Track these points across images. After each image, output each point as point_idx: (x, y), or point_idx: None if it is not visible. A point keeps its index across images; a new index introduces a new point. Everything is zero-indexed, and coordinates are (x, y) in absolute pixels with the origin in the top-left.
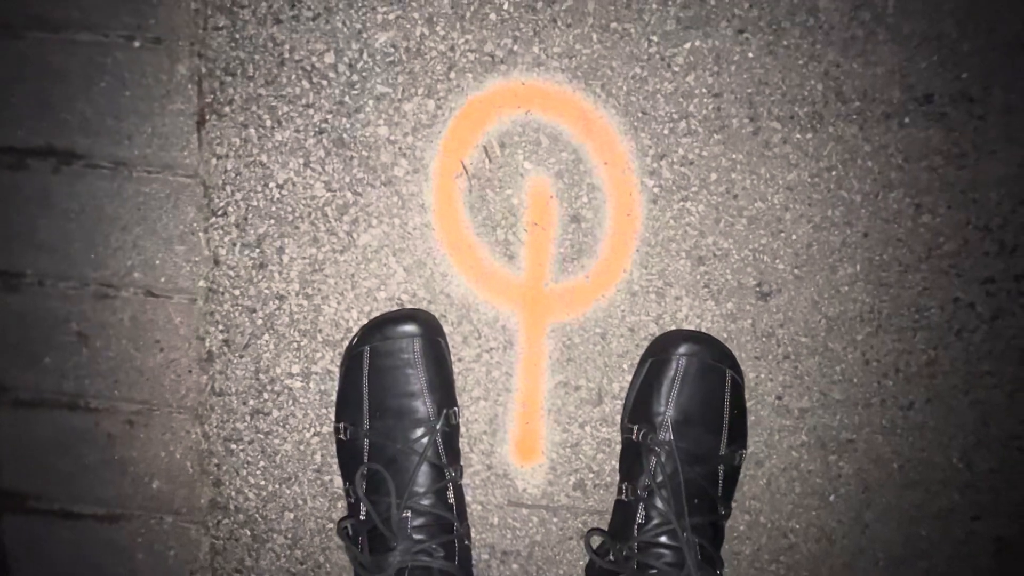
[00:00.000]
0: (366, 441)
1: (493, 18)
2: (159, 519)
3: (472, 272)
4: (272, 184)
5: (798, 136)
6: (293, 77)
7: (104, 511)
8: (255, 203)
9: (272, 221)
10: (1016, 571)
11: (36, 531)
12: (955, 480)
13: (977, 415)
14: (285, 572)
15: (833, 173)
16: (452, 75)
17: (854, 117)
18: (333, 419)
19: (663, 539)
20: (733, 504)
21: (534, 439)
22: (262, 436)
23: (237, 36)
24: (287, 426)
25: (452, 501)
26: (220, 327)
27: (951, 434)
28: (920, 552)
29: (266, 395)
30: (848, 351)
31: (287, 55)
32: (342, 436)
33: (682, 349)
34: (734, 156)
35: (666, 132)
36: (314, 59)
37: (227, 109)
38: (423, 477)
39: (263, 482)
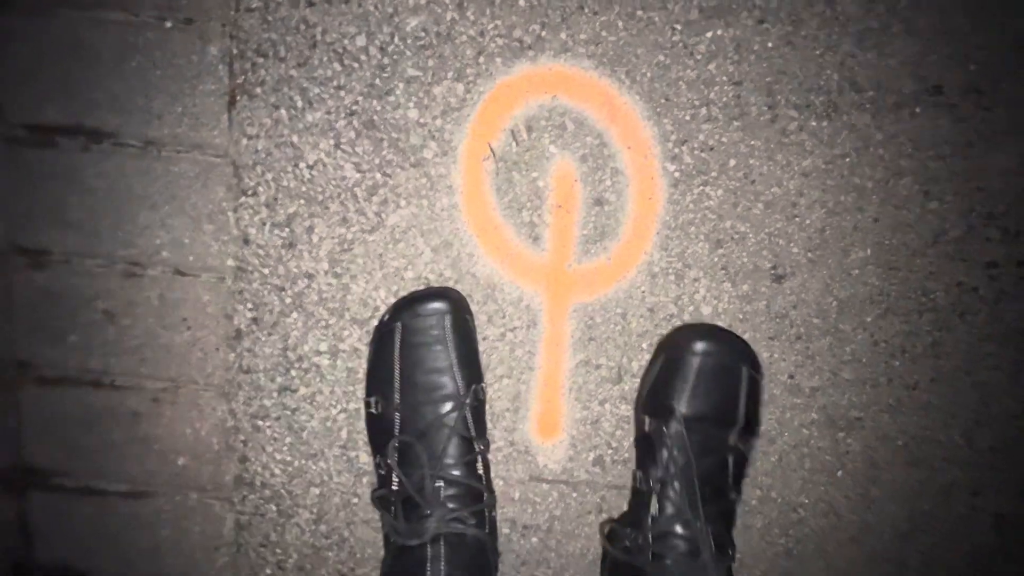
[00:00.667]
0: (397, 415)
1: (522, 4)
2: (184, 495)
3: (498, 253)
4: (302, 164)
5: (814, 124)
6: (325, 59)
7: (129, 488)
8: (285, 183)
9: (302, 201)
10: (1015, 546)
11: (61, 507)
12: (957, 457)
13: (979, 395)
14: (310, 547)
15: (847, 160)
16: (481, 60)
17: (867, 106)
18: (363, 394)
19: (677, 528)
20: (745, 483)
21: (555, 416)
22: (289, 413)
23: (269, 18)
24: (314, 403)
25: (481, 472)
26: (249, 305)
27: (954, 413)
28: (924, 527)
29: (294, 372)
30: (857, 332)
31: (319, 37)
32: (372, 410)
33: (698, 348)
34: (752, 143)
35: (688, 118)
36: (346, 42)
37: (258, 90)
38: (454, 449)
39: (289, 458)
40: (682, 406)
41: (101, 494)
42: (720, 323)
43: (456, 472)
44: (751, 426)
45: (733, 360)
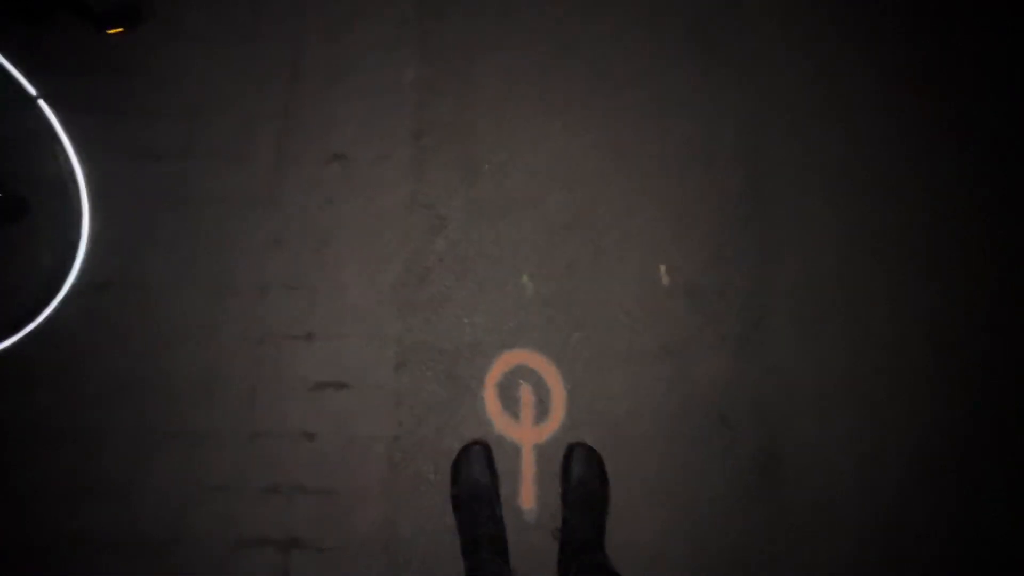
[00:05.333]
0: (463, 496)
1: (508, 326)
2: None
3: (502, 424)
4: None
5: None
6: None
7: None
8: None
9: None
10: None
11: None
12: None
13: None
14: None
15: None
16: (491, 349)
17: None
18: (450, 487)
19: (578, 535)
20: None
21: (530, 495)
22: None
23: None
24: (427, 493)
25: (499, 518)
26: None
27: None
28: None
29: (419, 482)
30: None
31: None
32: (453, 494)
33: (576, 449)
34: (606, 376)
35: (572, 366)
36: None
37: None
38: (487, 511)
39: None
40: (576, 472)
41: None
42: (599, 450)
43: (490, 522)
44: (604, 479)
45: (590, 453)
